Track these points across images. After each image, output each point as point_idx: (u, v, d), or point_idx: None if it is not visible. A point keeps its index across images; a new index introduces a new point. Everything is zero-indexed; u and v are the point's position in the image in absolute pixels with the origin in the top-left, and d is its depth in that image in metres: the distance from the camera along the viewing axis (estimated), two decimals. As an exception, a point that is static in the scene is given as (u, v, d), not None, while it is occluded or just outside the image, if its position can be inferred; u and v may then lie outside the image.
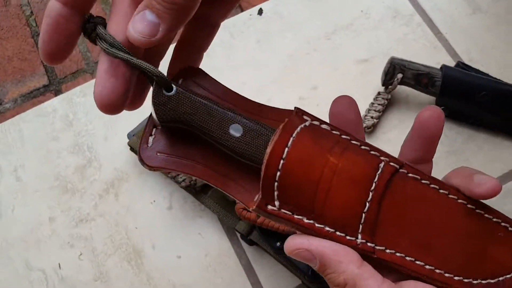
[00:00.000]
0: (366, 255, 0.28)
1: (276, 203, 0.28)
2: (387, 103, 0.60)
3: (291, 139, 0.28)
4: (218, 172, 0.31)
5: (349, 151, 0.29)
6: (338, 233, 0.28)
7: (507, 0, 0.67)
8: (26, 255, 0.56)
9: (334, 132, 0.30)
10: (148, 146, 0.31)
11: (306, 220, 0.28)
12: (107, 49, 0.26)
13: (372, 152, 0.30)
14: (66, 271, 0.56)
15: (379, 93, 0.61)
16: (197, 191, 0.56)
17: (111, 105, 0.27)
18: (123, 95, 0.27)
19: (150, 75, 0.28)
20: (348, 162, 0.28)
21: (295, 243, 0.28)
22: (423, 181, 0.30)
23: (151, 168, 0.30)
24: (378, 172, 0.29)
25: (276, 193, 0.28)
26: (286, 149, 0.28)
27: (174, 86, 0.29)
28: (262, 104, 0.33)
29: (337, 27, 0.66)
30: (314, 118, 0.30)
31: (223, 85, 0.33)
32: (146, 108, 0.60)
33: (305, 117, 0.30)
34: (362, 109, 0.61)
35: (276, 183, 0.28)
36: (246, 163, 0.29)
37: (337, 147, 0.29)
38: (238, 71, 0.64)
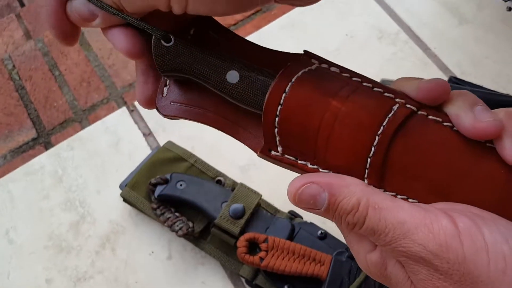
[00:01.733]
0: None
1: (279, 148, 0.28)
2: (383, 126, 0.59)
3: (290, 84, 0.27)
4: (228, 119, 0.31)
5: (357, 94, 0.27)
6: None
7: (490, 7, 0.66)
8: (25, 322, 0.54)
9: (344, 74, 0.29)
10: (163, 96, 0.32)
11: (310, 165, 0.28)
12: (103, 7, 0.27)
13: (386, 94, 0.28)
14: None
15: (373, 117, 0.59)
16: (196, 238, 0.54)
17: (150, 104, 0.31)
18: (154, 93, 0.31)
19: (148, 31, 0.29)
20: (354, 105, 0.27)
21: (301, 180, 0.26)
22: (445, 124, 0.28)
23: (166, 116, 0.31)
24: (390, 115, 0.27)
25: (277, 138, 0.28)
26: (284, 94, 0.27)
27: (172, 37, 0.29)
28: (277, 51, 0.31)
29: (323, 53, 0.64)
30: (323, 61, 0.29)
31: (238, 36, 0.32)
32: (136, 159, 0.58)
33: (313, 61, 0.29)
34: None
35: (276, 129, 0.28)
36: (252, 110, 0.29)
37: (344, 90, 0.27)
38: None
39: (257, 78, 0.29)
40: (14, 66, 0.85)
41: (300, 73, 0.28)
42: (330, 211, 0.26)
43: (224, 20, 0.81)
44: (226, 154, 0.60)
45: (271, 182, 0.58)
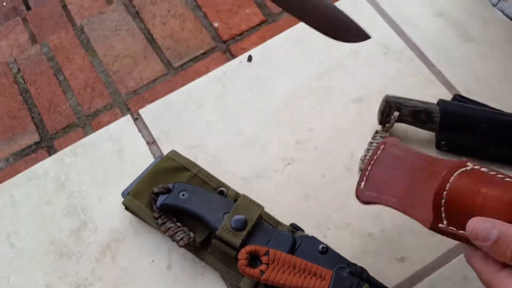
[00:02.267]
0: None
1: (445, 222, 0.38)
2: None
3: (452, 178, 0.38)
4: (406, 202, 0.42)
5: (498, 184, 0.37)
6: None
7: (496, 25, 0.67)
8: (23, 328, 0.54)
9: (490, 173, 0.38)
10: (360, 187, 0.46)
11: None
12: None
13: None
14: None
15: (376, 132, 0.59)
16: (197, 248, 0.54)
17: None
18: None
19: None
20: (498, 191, 0.36)
21: (480, 219, 0.35)
22: None
23: (363, 202, 0.45)
24: None
25: (443, 215, 0.38)
26: (448, 184, 0.37)
27: None
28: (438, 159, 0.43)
29: (328, 68, 0.65)
30: (475, 163, 0.39)
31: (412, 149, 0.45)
32: (139, 167, 0.58)
33: (468, 164, 0.39)
34: (361, 150, 0.59)
35: (442, 208, 0.37)
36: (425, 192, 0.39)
37: (490, 182, 0.37)
38: (232, 120, 0.63)
39: None
40: (19, 69, 0.86)
41: (459, 170, 0.38)
42: (498, 243, 0.33)
43: (230, 31, 0.82)
44: (229, 165, 0.60)
45: (274, 195, 0.58)
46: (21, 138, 0.83)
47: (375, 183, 0.45)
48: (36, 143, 0.83)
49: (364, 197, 0.45)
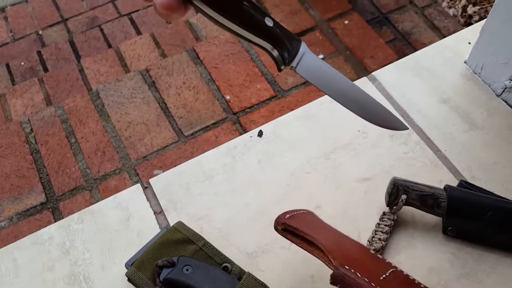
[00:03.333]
0: None
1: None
2: (394, 223, 0.59)
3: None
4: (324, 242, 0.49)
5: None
6: None
7: (500, 115, 0.69)
8: None
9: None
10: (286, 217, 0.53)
11: None
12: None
13: None
14: None
15: (384, 214, 0.60)
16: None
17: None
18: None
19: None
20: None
21: None
22: None
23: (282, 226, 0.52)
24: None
25: None
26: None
27: None
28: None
29: (336, 147, 0.67)
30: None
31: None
32: (145, 237, 0.58)
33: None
34: (368, 229, 0.60)
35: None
36: None
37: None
38: (240, 192, 0.64)
39: None
40: (31, 129, 0.87)
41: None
42: None
43: (240, 103, 0.84)
44: (235, 239, 0.60)
45: (279, 273, 0.58)
46: (27, 198, 0.84)
47: (301, 222, 0.52)
48: (41, 203, 0.83)
49: (291, 222, 0.51)
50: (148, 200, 0.63)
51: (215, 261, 0.56)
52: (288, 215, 0.53)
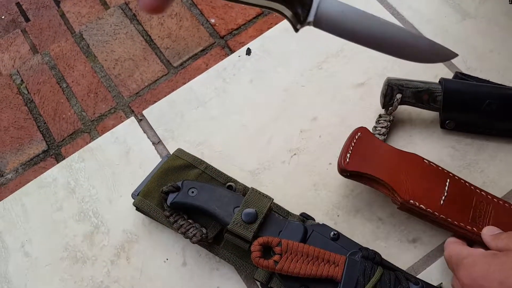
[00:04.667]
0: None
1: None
2: (390, 124, 0.59)
3: None
4: (389, 178, 0.52)
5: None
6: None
7: (493, 1, 0.66)
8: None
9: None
10: (347, 161, 0.53)
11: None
12: None
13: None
14: None
15: (380, 116, 0.59)
16: (210, 243, 0.55)
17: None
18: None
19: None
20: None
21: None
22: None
23: (348, 172, 0.53)
24: None
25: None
26: None
27: None
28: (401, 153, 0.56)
29: (327, 55, 0.65)
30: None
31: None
32: (147, 168, 0.59)
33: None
34: (366, 134, 0.60)
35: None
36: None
37: None
38: (236, 115, 0.63)
39: None
40: (22, 80, 0.86)
41: None
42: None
43: (227, 26, 0.82)
44: (236, 159, 0.61)
45: (282, 186, 0.58)
46: (28, 148, 0.84)
47: (359, 160, 0.53)
48: (44, 151, 0.84)
49: (351, 167, 0.52)
50: (144, 132, 0.63)
51: (218, 182, 0.57)
52: (345, 159, 0.53)
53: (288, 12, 0.34)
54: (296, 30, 0.35)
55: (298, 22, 0.35)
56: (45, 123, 0.84)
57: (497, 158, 0.57)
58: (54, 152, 0.81)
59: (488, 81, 0.58)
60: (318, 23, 0.35)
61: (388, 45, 0.38)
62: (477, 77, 0.59)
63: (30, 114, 0.85)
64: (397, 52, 0.38)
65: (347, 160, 0.53)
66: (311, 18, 0.35)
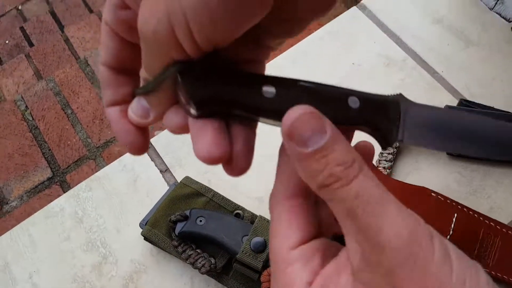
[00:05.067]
0: None
1: None
2: (397, 151, 0.59)
3: None
4: None
5: None
6: None
7: (495, 28, 0.67)
8: None
9: None
10: None
11: None
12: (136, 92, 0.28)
13: None
14: None
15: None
16: (218, 273, 0.54)
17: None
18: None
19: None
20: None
21: (308, 108, 0.24)
22: None
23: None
24: None
25: None
26: None
27: (196, 64, 0.25)
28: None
29: (332, 81, 0.66)
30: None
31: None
32: (155, 196, 0.59)
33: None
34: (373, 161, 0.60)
35: None
36: None
37: None
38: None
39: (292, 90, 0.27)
40: (27, 106, 0.87)
41: None
42: (319, 155, 0.23)
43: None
44: (243, 187, 0.61)
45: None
46: (33, 175, 0.84)
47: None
48: (48, 178, 0.84)
49: None
50: (152, 160, 0.63)
51: (226, 210, 0.57)
52: None
53: (375, 135, 0.28)
54: (384, 148, 0.29)
55: (386, 144, 0.29)
56: (50, 149, 0.84)
57: (503, 184, 0.58)
58: (59, 179, 0.81)
59: (492, 108, 0.59)
60: (408, 140, 0.28)
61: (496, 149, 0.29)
62: (481, 104, 0.60)
63: (34, 141, 0.86)
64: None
65: None
66: (400, 136, 0.28)
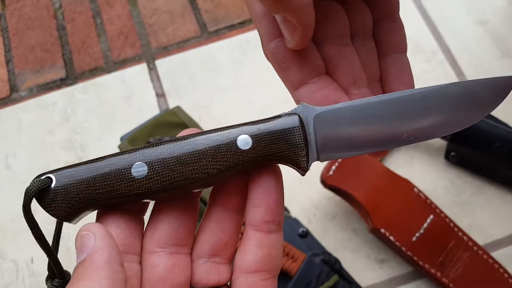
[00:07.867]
0: None
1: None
2: (394, 140, 0.57)
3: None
4: (369, 201, 0.51)
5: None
6: None
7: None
8: (1, 244, 0.55)
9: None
10: (329, 174, 0.52)
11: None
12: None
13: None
14: (38, 265, 0.54)
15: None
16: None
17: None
18: None
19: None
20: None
21: None
22: None
23: (329, 185, 0.52)
24: None
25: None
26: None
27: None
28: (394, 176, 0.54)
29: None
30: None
31: None
32: (144, 116, 0.58)
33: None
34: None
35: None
36: None
37: None
38: (245, 89, 0.62)
39: None
40: (60, 5, 0.88)
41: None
42: None
43: (231, 21, 0.80)
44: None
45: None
46: (48, 72, 0.85)
47: (343, 175, 0.51)
48: (61, 79, 0.85)
49: (331, 181, 0.51)
50: (152, 81, 0.63)
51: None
52: (328, 171, 0.52)
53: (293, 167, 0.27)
54: (304, 174, 0.27)
55: (302, 170, 0.27)
56: (70, 52, 0.85)
57: (492, 205, 0.54)
58: (71, 82, 0.82)
59: (506, 125, 0.55)
60: (325, 156, 0.26)
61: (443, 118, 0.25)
62: (497, 118, 0.56)
63: (59, 40, 0.87)
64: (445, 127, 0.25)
65: (330, 172, 0.52)
66: (313, 155, 0.26)
